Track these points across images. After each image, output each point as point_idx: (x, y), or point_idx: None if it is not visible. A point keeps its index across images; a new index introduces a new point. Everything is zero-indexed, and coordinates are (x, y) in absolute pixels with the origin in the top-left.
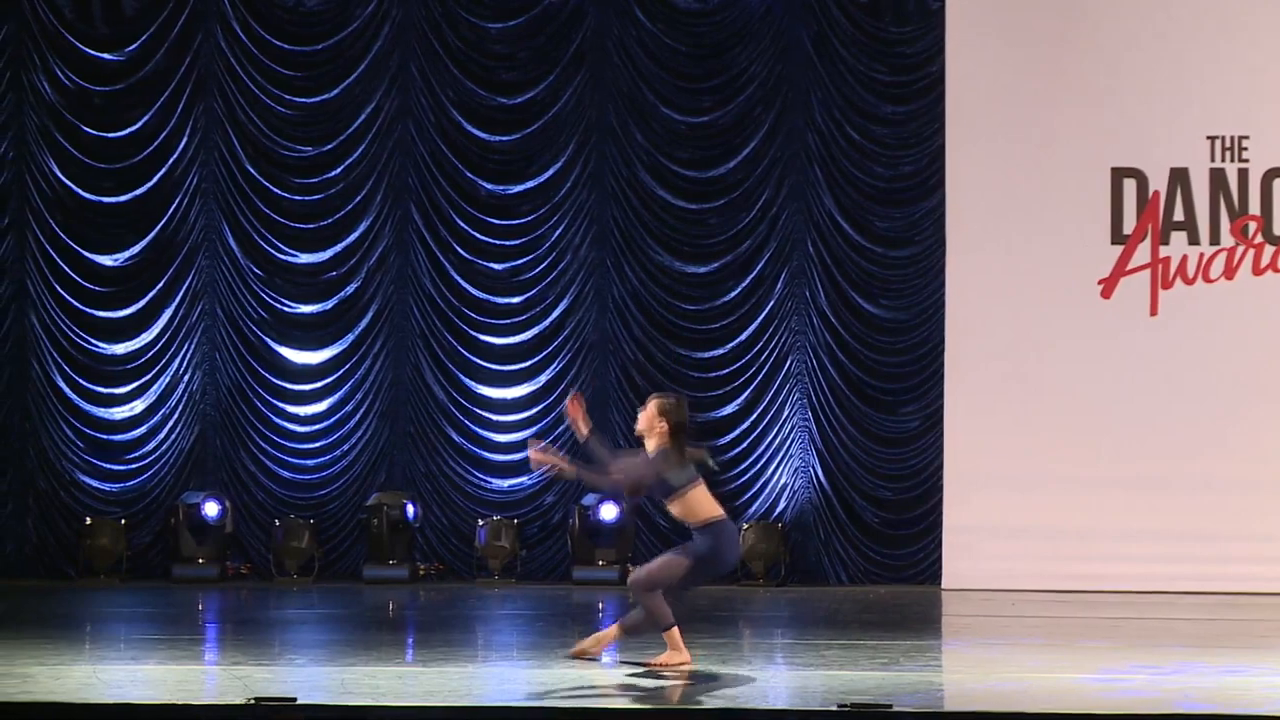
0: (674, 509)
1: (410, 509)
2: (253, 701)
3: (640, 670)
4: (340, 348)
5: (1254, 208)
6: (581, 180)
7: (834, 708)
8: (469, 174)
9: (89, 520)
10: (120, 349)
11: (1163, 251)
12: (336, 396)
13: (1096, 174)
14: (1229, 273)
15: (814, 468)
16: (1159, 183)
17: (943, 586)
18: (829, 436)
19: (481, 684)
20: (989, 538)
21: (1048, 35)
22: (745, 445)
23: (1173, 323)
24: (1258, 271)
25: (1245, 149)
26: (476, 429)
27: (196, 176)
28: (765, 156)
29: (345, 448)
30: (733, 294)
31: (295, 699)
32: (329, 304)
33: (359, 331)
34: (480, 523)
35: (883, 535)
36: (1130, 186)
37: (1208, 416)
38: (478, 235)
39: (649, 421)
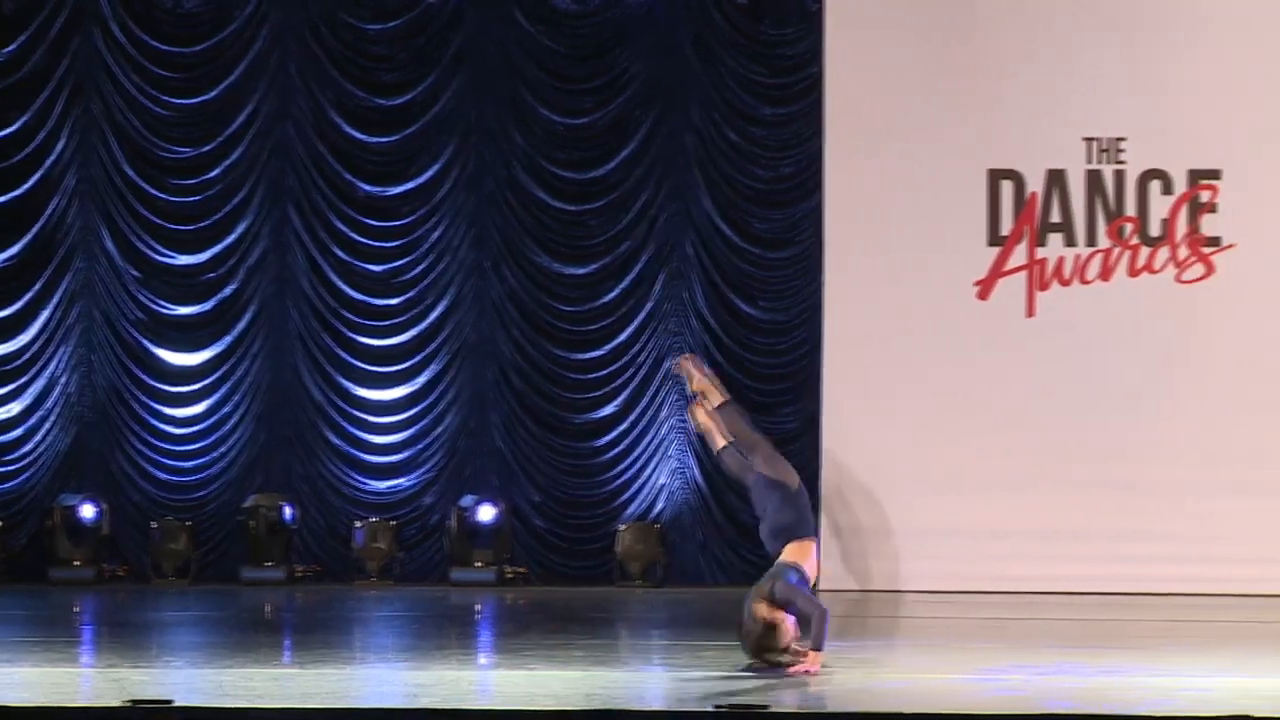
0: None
1: (287, 511)
2: (129, 704)
3: (516, 671)
4: (218, 349)
5: (1130, 209)
6: (460, 182)
7: (710, 709)
8: (348, 175)
9: None
10: None
11: (1039, 253)
12: (214, 398)
13: (974, 175)
14: (1105, 274)
15: (691, 468)
16: (1036, 184)
17: (820, 588)
18: None
19: (359, 685)
20: (866, 539)
21: (926, 38)
22: (624, 446)
23: (1049, 324)
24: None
25: (1122, 150)
26: (354, 431)
27: (74, 178)
28: (645, 158)
29: (223, 449)
30: (611, 295)
31: (172, 701)
32: (207, 305)
33: (237, 333)
34: (357, 524)
35: (760, 537)
36: (1007, 188)
37: (1081, 418)
38: (356, 237)
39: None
